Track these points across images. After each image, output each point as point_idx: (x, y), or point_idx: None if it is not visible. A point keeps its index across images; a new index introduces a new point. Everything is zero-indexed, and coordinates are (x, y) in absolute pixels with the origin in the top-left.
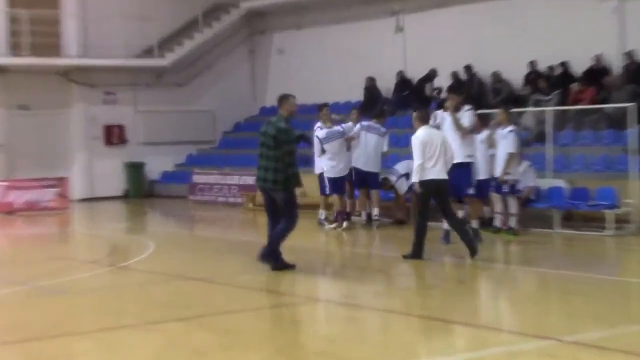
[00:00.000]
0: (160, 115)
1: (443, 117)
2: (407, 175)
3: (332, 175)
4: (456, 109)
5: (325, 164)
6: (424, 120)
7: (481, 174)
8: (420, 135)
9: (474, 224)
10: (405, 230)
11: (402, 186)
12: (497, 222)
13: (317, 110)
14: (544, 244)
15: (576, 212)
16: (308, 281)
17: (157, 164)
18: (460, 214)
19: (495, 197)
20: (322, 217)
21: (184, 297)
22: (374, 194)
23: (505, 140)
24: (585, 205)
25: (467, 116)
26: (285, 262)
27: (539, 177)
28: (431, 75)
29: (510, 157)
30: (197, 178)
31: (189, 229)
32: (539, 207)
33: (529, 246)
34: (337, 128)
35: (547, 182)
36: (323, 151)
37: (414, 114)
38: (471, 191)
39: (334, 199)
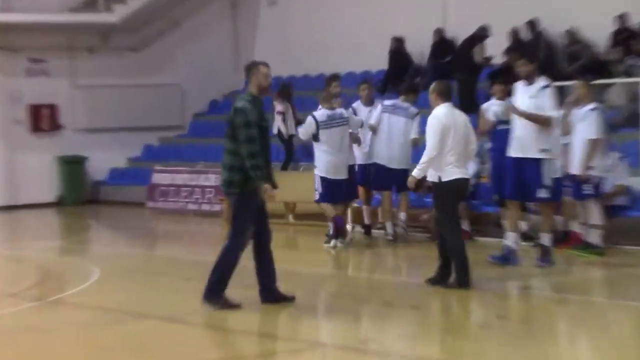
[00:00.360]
0: (108, 91)
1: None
2: None
3: (327, 176)
4: (527, 78)
5: (318, 158)
6: (445, 96)
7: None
8: (441, 115)
9: (546, 239)
10: None
11: None
12: (586, 236)
13: (325, 85)
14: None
15: None
16: (311, 320)
17: (103, 159)
18: (524, 226)
19: (571, 203)
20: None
21: (138, 342)
22: (403, 197)
23: (585, 122)
24: None
25: (547, 95)
26: (227, 300)
27: (632, 175)
28: (481, 35)
29: (593, 145)
30: (159, 177)
31: (146, 249)
32: (634, 216)
33: (619, 271)
34: (339, 111)
35: None
36: (315, 139)
37: (432, 86)
38: (544, 194)
39: (326, 208)
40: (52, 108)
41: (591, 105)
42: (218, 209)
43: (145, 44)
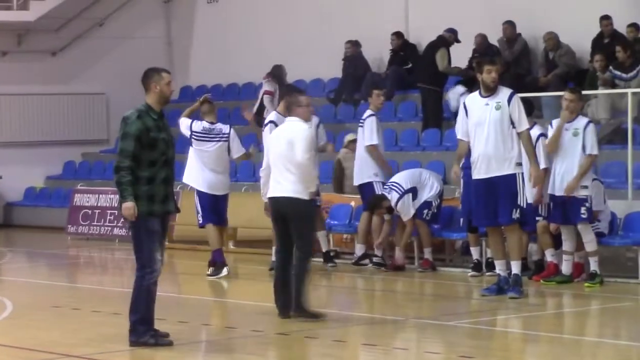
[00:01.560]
0: (23, 100)
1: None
2: (413, 191)
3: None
4: (493, 88)
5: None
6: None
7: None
8: (307, 127)
9: (516, 267)
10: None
11: (407, 208)
12: (566, 266)
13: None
14: (629, 300)
15: None
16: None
17: (18, 177)
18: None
19: (564, 229)
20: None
21: None
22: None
23: (577, 137)
24: None
25: (517, 106)
26: (159, 337)
27: (612, 198)
28: (446, 39)
29: (590, 162)
30: (81, 199)
31: (66, 280)
32: (615, 245)
33: (598, 304)
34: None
35: (626, 207)
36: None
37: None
38: (516, 215)
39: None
40: None
41: (584, 119)
42: None
43: (66, 46)
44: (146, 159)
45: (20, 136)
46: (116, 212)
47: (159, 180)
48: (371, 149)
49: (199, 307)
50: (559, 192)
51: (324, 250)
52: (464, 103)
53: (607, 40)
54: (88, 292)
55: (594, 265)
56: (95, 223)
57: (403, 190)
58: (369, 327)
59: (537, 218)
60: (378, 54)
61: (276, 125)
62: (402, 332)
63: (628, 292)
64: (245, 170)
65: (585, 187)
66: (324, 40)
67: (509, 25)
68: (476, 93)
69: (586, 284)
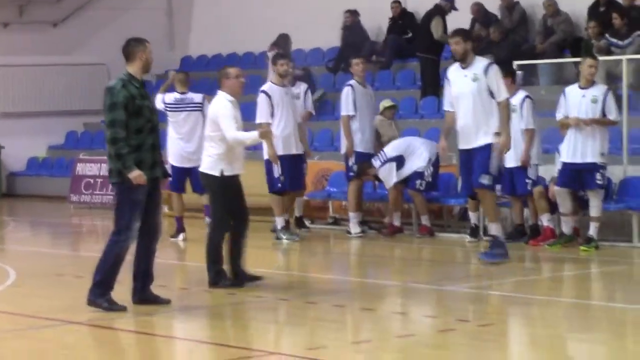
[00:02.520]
0: (25, 71)
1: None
2: (398, 160)
3: None
4: (463, 59)
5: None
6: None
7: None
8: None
9: (493, 229)
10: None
11: (389, 176)
12: (567, 227)
13: (271, 63)
14: (624, 263)
15: None
16: (267, 329)
17: (21, 148)
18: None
19: (567, 194)
20: (279, 225)
21: (59, 353)
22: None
23: (597, 105)
24: None
25: (495, 76)
26: (113, 301)
27: (609, 163)
28: (442, 7)
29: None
30: (83, 168)
31: (69, 248)
32: (610, 210)
33: (610, 267)
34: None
35: (621, 172)
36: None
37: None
38: (485, 181)
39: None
40: None
41: (603, 86)
42: None
43: (67, 17)
44: (133, 126)
45: (23, 107)
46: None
47: (147, 147)
48: (343, 119)
49: (199, 273)
50: (574, 159)
51: (297, 215)
52: (447, 74)
53: (603, 8)
54: (90, 260)
55: (592, 230)
56: (97, 192)
57: (386, 159)
58: (366, 292)
59: (526, 181)
60: (377, 23)
61: (268, 95)
62: (400, 297)
63: (623, 256)
64: None
65: (603, 154)
66: (323, 9)
67: None
68: (457, 64)
69: (582, 248)
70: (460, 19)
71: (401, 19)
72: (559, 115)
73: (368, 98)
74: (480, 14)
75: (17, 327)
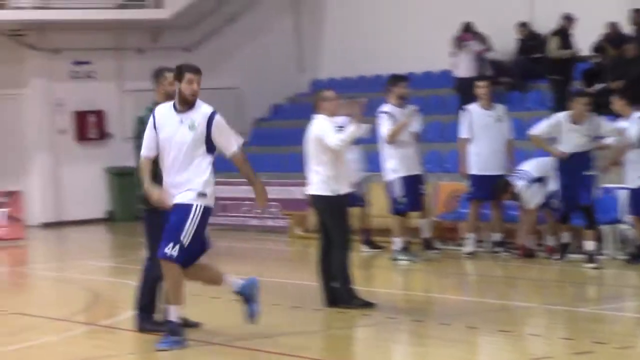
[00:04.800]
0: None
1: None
2: (542, 180)
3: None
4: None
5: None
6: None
7: None
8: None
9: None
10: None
11: (533, 196)
12: None
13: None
14: None
15: None
16: (399, 350)
17: None
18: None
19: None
20: (398, 247)
21: None
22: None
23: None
24: None
25: None
26: (160, 323)
27: None
28: (562, 26)
29: None
30: (218, 190)
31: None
32: None
33: None
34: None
35: None
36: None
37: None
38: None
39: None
40: (99, 115)
41: None
42: (283, 225)
43: (199, 42)
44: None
45: None
46: (251, 202)
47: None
48: (458, 142)
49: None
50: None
51: (423, 237)
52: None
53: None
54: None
55: None
56: (230, 213)
57: (531, 178)
58: (499, 314)
59: None
60: (503, 43)
61: (391, 116)
62: (533, 318)
63: None
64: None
65: None
66: (451, 30)
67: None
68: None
69: None
70: (588, 36)
71: (529, 40)
72: None
73: (490, 120)
74: (615, 33)
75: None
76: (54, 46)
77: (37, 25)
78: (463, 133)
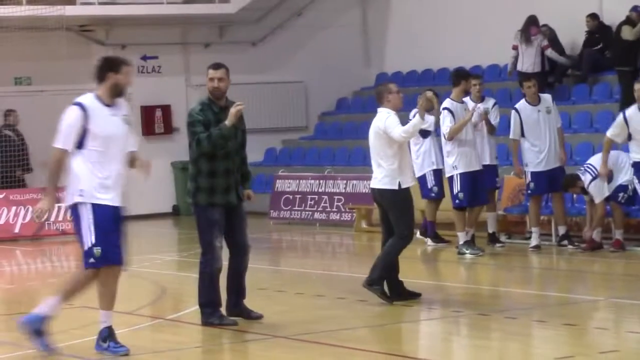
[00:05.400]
0: None
1: None
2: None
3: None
4: None
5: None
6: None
7: None
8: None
9: None
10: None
11: (600, 191)
12: None
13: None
14: None
15: None
16: (464, 344)
17: None
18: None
19: None
20: (461, 240)
21: None
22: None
23: None
24: None
25: None
26: (225, 317)
27: None
28: (630, 17)
29: None
30: (282, 185)
31: (270, 263)
32: None
33: None
34: None
35: None
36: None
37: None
38: None
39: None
40: (165, 109)
41: None
42: (348, 219)
43: (265, 37)
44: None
45: None
46: (316, 196)
47: (220, 172)
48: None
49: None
50: None
51: (490, 231)
52: None
53: None
54: (291, 275)
55: None
56: (296, 208)
57: (597, 173)
58: (566, 307)
59: None
60: (572, 36)
61: (450, 112)
62: (600, 312)
63: None
64: None
65: None
66: (518, 24)
67: None
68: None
69: None
70: None
71: (597, 32)
72: None
73: (539, 115)
74: None
75: (224, 340)
76: (121, 41)
77: (104, 20)
78: (513, 134)
